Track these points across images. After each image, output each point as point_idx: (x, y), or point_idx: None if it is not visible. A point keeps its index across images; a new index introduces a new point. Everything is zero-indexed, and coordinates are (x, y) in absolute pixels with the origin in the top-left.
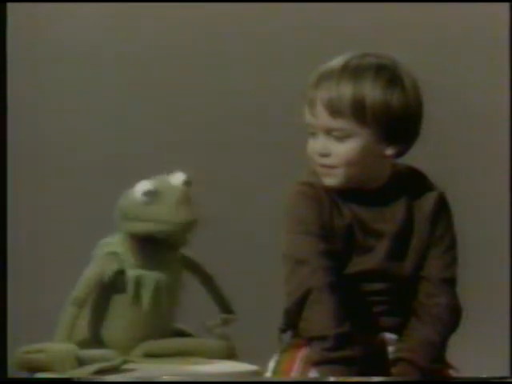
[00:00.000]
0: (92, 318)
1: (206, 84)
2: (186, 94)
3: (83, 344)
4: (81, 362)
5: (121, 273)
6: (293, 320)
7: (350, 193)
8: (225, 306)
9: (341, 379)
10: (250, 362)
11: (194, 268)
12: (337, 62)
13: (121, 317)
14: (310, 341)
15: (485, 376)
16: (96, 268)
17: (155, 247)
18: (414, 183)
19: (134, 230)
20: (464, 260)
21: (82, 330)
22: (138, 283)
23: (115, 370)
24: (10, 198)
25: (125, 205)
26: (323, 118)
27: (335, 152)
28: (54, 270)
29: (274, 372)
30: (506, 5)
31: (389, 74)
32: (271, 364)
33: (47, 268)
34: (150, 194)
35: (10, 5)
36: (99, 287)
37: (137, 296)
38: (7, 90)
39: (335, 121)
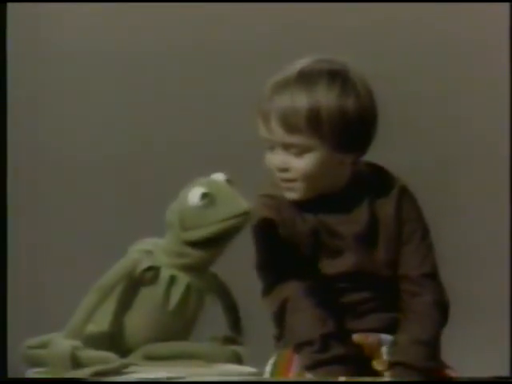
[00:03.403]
0: (115, 310)
1: (207, 84)
2: (186, 94)
3: (100, 334)
4: (79, 364)
5: (153, 270)
6: (279, 331)
7: (312, 198)
8: (236, 332)
9: (343, 379)
10: (249, 365)
11: (222, 292)
12: (289, 71)
13: (144, 314)
14: (298, 348)
15: (485, 376)
16: (128, 261)
17: (194, 252)
18: (374, 180)
19: (195, 237)
20: (464, 260)
21: (103, 318)
22: (171, 282)
23: (114, 372)
24: (10, 199)
25: (182, 215)
26: (279, 134)
27: (294, 166)
28: (55, 269)
29: (272, 375)
30: (506, 5)
31: (342, 80)
32: (268, 368)
33: (48, 268)
34: (207, 197)
35: (10, 5)
36: (128, 280)
37: (166, 295)
38: (7, 90)
39: (291, 137)
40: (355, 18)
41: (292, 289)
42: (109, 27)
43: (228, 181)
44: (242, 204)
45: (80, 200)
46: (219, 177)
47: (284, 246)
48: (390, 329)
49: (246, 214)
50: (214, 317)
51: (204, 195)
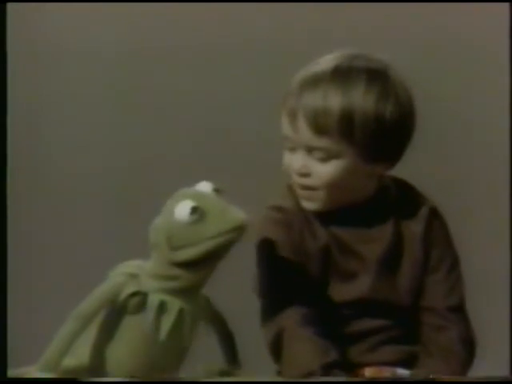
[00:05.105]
0: (96, 340)
1: (208, 86)
2: (188, 96)
3: (80, 367)
4: None
5: (139, 296)
6: (276, 363)
7: (328, 211)
8: (232, 364)
9: (344, 379)
10: None
11: (216, 319)
12: (323, 65)
13: (130, 345)
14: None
15: (485, 376)
16: (111, 285)
17: (185, 274)
18: (402, 198)
19: (185, 257)
20: (464, 259)
21: (84, 349)
22: (161, 309)
23: None
24: (11, 201)
25: (170, 233)
26: (305, 135)
27: (317, 172)
28: (55, 271)
29: None
30: (506, 5)
31: (381, 82)
32: None
33: (47, 269)
34: (197, 211)
35: (9, 5)
36: (111, 307)
37: (157, 323)
38: (7, 90)
39: (319, 139)
40: (352, 19)
41: (288, 318)
42: (109, 27)
43: (216, 190)
44: (235, 216)
45: (80, 207)
46: (206, 186)
47: (289, 269)
48: (407, 362)
49: (240, 228)
50: (207, 347)
51: (193, 210)
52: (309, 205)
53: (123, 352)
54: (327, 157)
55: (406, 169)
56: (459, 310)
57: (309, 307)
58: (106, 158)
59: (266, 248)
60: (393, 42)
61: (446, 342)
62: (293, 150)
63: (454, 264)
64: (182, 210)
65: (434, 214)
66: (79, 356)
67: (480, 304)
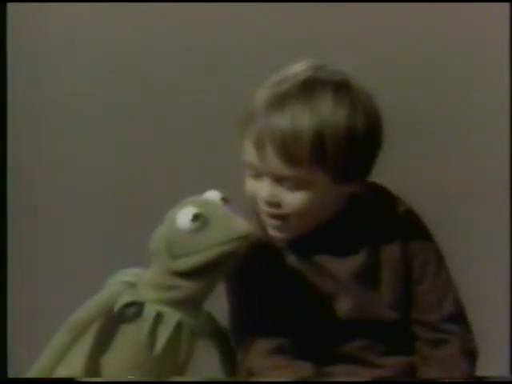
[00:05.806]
0: (90, 352)
1: (208, 86)
2: (189, 98)
3: (74, 376)
4: None
5: (136, 306)
6: None
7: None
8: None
9: (343, 379)
10: None
11: (218, 335)
12: (286, 83)
13: (125, 357)
14: None
15: (485, 376)
16: (107, 294)
17: (185, 284)
18: (375, 204)
19: (185, 266)
20: (464, 260)
21: (76, 361)
22: (158, 320)
23: None
24: (11, 201)
25: (170, 240)
26: (274, 165)
27: (286, 201)
28: (54, 271)
29: None
30: (506, 5)
31: (347, 94)
32: None
33: (47, 269)
34: (199, 218)
35: (9, 5)
36: (105, 317)
37: (152, 335)
38: (7, 90)
39: (290, 170)
40: (350, 20)
41: (257, 354)
42: (110, 27)
43: (223, 199)
44: (240, 226)
45: (80, 210)
46: (213, 195)
47: (257, 300)
48: (407, 374)
49: (244, 238)
50: (207, 362)
51: (195, 216)
52: (277, 234)
53: (117, 363)
54: (298, 185)
55: (405, 170)
56: (456, 317)
57: (279, 338)
58: (106, 159)
59: (233, 281)
60: (393, 42)
61: (447, 357)
62: (257, 177)
63: (439, 267)
64: (184, 216)
65: (410, 218)
66: (72, 366)
67: (479, 304)
